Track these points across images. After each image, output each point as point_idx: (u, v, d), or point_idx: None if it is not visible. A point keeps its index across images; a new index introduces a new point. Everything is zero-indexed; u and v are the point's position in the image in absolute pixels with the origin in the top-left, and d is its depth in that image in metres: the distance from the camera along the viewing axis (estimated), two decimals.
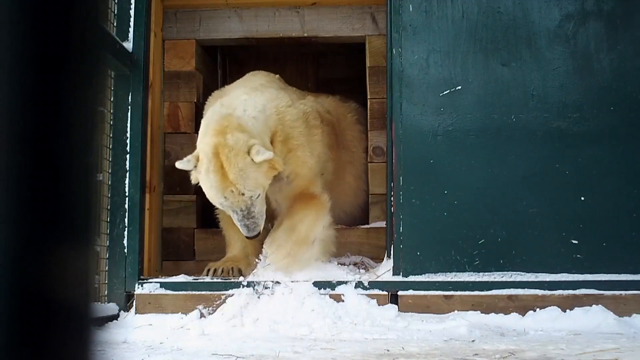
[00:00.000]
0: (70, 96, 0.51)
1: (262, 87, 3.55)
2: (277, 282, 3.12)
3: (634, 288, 3.03)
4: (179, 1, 4.05)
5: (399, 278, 3.20)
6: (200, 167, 3.14)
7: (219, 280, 3.28)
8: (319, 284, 3.11)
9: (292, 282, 3.12)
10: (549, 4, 3.32)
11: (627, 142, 3.23)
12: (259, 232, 3.23)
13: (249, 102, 3.30)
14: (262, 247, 3.32)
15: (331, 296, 3.06)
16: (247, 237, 3.26)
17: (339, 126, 4.05)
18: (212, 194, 3.17)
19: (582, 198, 3.21)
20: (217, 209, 3.73)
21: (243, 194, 3.11)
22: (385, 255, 3.44)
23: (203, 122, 3.32)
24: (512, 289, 3.07)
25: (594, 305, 2.94)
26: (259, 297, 3.06)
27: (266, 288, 3.10)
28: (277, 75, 3.90)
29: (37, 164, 0.50)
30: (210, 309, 3.10)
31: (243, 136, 3.12)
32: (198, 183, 3.28)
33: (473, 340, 2.56)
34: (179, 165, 3.18)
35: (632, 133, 3.23)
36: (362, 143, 4.13)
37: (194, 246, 4.04)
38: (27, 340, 0.48)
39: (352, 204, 4.06)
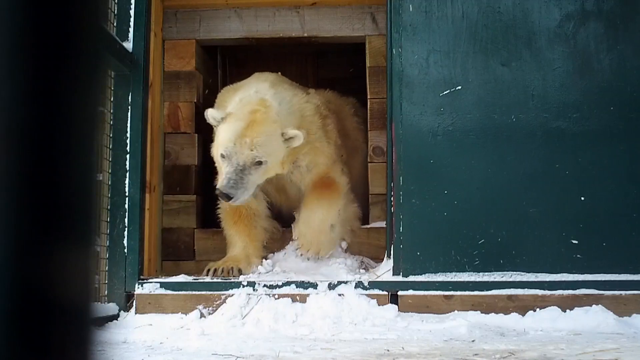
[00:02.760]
0: (71, 96, 0.51)
1: (277, 84, 3.64)
2: (277, 282, 3.12)
3: (634, 288, 3.03)
4: (179, 1, 4.05)
5: (399, 278, 3.20)
6: (229, 117, 3.28)
7: (219, 280, 3.28)
8: (319, 284, 3.11)
9: (292, 282, 3.13)
10: (548, 4, 3.32)
11: (627, 142, 3.22)
12: (234, 200, 3.23)
13: (277, 97, 3.46)
14: (292, 239, 3.61)
15: (331, 296, 3.05)
16: (223, 197, 3.24)
17: (340, 115, 4.13)
18: (225, 138, 3.25)
19: (582, 198, 3.21)
20: (219, 208, 3.74)
21: (252, 150, 3.21)
22: (385, 255, 3.44)
23: (237, 102, 3.44)
24: (512, 289, 3.07)
25: (594, 305, 2.93)
26: (258, 297, 3.06)
27: (266, 287, 3.10)
28: (279, 73, 3.92)
29: (37, 164, 0.50)
30: (210, 309, 3.10)
31: (277, 118, 3.36)
32: (212, 134, 3.41)
33: (473, 340, 2.56)
34: (209, 110, 3.33)
35: (632, 133, 3.23)
36: (361, 133, 4.19)
37: (194, 246, 4.04)
38: (27, 340, 0.48)
39: (359, 191, 4.08)
